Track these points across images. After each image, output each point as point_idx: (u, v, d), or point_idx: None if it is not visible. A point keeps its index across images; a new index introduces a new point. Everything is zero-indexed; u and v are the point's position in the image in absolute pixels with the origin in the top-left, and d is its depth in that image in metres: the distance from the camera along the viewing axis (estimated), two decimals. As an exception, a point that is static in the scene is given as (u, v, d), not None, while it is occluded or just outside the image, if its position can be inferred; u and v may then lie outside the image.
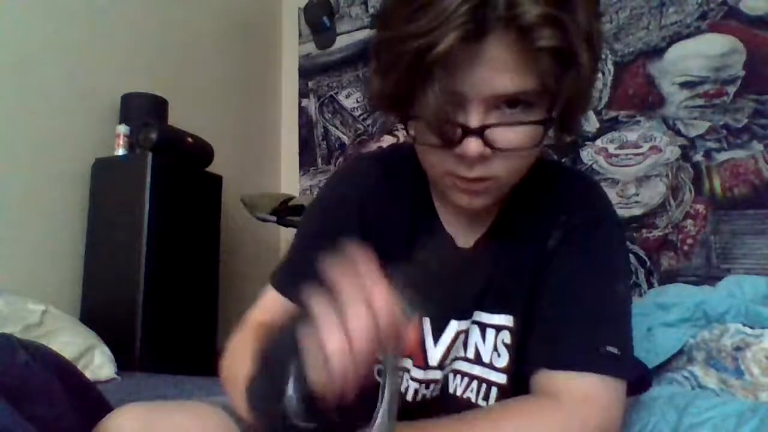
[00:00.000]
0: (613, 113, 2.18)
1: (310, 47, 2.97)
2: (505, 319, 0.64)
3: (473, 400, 0.65)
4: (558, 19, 0.45)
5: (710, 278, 1.83)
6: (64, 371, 0.70)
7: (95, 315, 1.79)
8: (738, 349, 1.09)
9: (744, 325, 1.14)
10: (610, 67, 2.19)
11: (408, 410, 0.66)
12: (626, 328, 0.60)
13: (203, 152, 2.11)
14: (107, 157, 1.93)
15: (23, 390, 0.60)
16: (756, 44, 1.95)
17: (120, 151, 1.92)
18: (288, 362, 0.35)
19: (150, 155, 1.84)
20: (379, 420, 0.34)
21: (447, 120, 0.50)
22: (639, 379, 0.98)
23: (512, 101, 0.50)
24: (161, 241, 1.83)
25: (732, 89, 1.98)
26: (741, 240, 1.91)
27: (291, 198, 2.28)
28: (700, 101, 2.03)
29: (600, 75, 2.15)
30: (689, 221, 2.00)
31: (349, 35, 2.85)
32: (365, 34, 2.79)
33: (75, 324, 1.56)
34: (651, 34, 2.14)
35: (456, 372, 0.67)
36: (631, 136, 2.14)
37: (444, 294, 0.66)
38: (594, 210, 0.65)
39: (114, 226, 1.85)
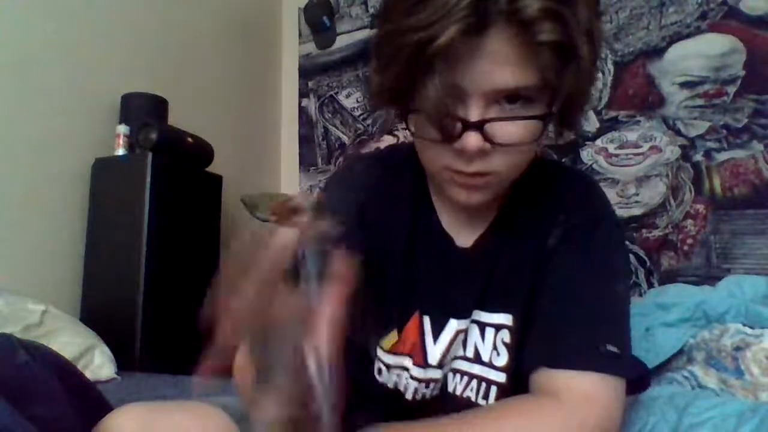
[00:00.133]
0: (613, 113, 2.17)
1: (310, 47, 2.97)
2: (504, 318, 0.64)
3: (473, 399, 0.65)
4: (559, 13, 0.46)
5: (710, 278, 1.83)
6: (64, 371, 0.70)
7: (95, 315, 1.79)
8: (738, 349, 1.09)
9: (744, 325, 1.14)
10: (610, 67, 2.19)
11: (408, 409, 0.66)
12: (625, 328, 0.60)
13: (203, 152, 2.11)
14: (107, 157, 1.93)
15: (23, 390, 0.60)
16: (756, 44, 1.95)
17: (120, 151, 1.92)
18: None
19: (150, 155, 1.84)
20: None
21: (447, 114, 0.50)
22: (638, 379, 0.98)
23: (512, 96, 0.50)
24: (161, 241, 1.83)
25: (732, 89, 1.98)
26: (741, 240, 1.91)
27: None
28: (700, 101, 2.03)
29: (600, 75, 2.15)
30: (689, 221, 2.00)
31: (349, 35, 2.85)
32: (365, 34, 2.79)
33: (75, 324, 1.56)
34: (651, 34, 2.14)
35: (455, 371, 0.67)
36: (631, 136, 2.14)
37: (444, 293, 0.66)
38: (593, 210, 0.65)
39: (114, 226, 1.85)
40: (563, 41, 0.46)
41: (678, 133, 2.06)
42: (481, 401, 0.64)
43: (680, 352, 1.17)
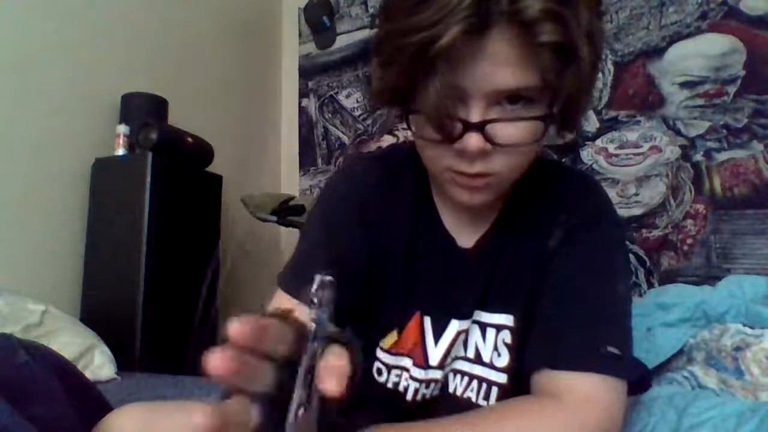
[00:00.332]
0: (613, 113, 2.17)
1: (310, 47, 2.97)
2: (505, 319, 0.64)
3: (473, 399, 0.65)
4: (560, 14, 0.45)
5: (710, 278, 1.83)
6: (64, 371, 0.70)
7: (95, 315, 1.79)
8: (738, 349, 1.09)
9: (744, 325, 1.14)
10: (610, 67, 2.19)
11: (408, 409, 0.66)
12: (626, 328, 0.60)
13: (203, 152, 2.11)
14: (107, 157, 1.92)
15: (23, 390, 0.60)
16: (756, 44, 1.95)
17: (120, 151, 1.92)
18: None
19: (150, 155, 1.84)
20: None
21: (448, 114, 0.50)
22: (639, 379, 0.98)
23: (513, 97, 0.50)
24: (161, 241, 1.83)
25: (732, 89, 1.98)
26: (741, 240, 1.91)
27: (291, 198, 2.28)
28: (700, 101, 2.03)
29: (600, 75, 2.15)
30: (689, 221, 2.00)
31: (349, 35, 2.85)
32: (365, 34, 2.79)
33: (75, 324, 1.55)
34: (651, 34, 2.14)
35: (456, 371, 0.66)
36: (631, 136, 2.14)
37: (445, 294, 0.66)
38: (594, 209, 0.65)
39: (114, 226, 1.85)
40: (564, 42, 0.46)
41: (678, 133, 2.06)
42: (481, 402, 0.64)
43: (680, 352, 1.17)
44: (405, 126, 0.55)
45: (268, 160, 2.93)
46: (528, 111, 0.51)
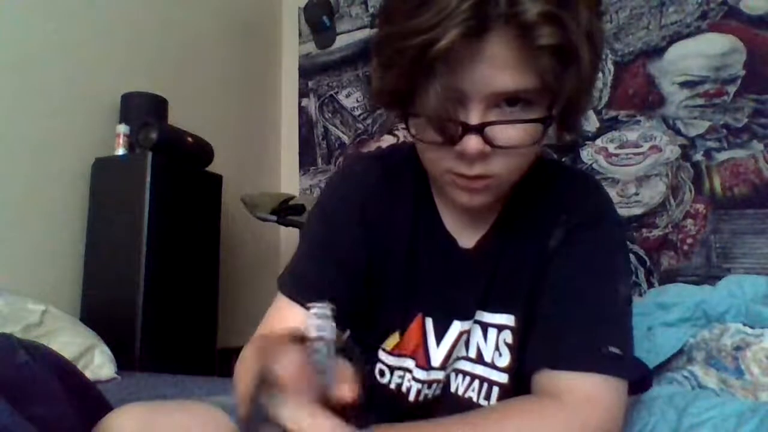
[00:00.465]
0: (613, 113, 2.18)
1: (310, 47, 2.97)
2: (506, 319, 0.64)
3: (475, 399, 0.65)
4: (559, 17, 0.45)
5: (710, 278, 1.83)
6: (64, 371, 0.70)
7: (95, 315, 1.79)
8: (738, 348, 1.09)
9: (744, 324, 1.14)
10: (610, 67, 2.19)
11: (409, 410, 0.66)
12: (627, 328, 0.60)
13: (203, 152, 2.11)
14: (107, 157, 1.92)
15: (23, 390, 0.60)
16: (756, 44, 1.95)
17: (120, 151, 1.92)
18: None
19: (150, 155, 1.84)
20: None
21: (447, 117, 0.49)
22: (640, 379, 0.98)
23: (512, 99, 0.50)
24: (161, 241, 1.83)
25: (732, 89, 1.98)
26: (741, 240, 1.91)
27: (291, 198, 2.28)
28: (700, 101, 2.03)
29: (600, 75, 2.15)
30: (689, 221, 2.00)
31: (349, 35, 2.85)
32: (365, 33, 2.79)
33: (75, 324, 1.55)
34: (651, 34, 2.14)
35: (458, 371, 0.67)
36: (631, 135, 2.14)
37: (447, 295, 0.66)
38: (595, 209, 0.65)
39: (114, 226, 1.85)
40: (563, 45, 0.46)
41: (678, 132, 2.07)
42: (483, 402, 0.64)
43: (680, 351, 1.17)
44: (405, 127, 0.55)
45: (268, 160, 2.93)
46: (527, 113, 0.51)
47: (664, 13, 2.13)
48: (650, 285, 2.01)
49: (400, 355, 0.67)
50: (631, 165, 2.13)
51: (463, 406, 0.64)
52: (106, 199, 1.89)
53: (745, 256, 1.90)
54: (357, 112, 2.81)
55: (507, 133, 0.51)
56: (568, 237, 0.62)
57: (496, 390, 0.64)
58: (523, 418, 0.53)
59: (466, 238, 0.66)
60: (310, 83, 2.96)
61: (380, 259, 0.66)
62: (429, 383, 0.66)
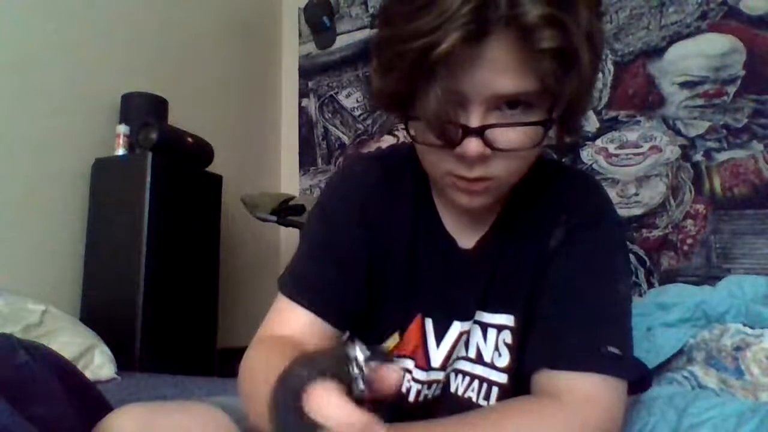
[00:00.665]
0: (613, 113, 2.18)
1: (310, 47, 2.97)
2: (506, 319, 0.64)
3: (474, 399, 0.65)
4: (559, 19, 0.45)
5: (710, 278, 1.83)
6: (64, 371, 0.70)
7: (95, 315, 1.79)
8: (738, 349, 1.09)
9: (744, 325, 1.14)
10: (610, 67, 2.19)
11: (409, 410, 0.66)
12: (627, 328, 0.60)
13: (203, 152, 2.11)
14: (107, 157, 1.93)
15: (23, 390, 0.60)
16: (756, 44, 1.95)
17: (120, 151, 1.92)
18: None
19: (150, 155, 1.84)
20: None
21: (448, 120, 0.50)
22: (639, 379, 0.98)
23: (513, 102, 0.50)
24: (161, 241, 1.83)
25: (732, 89, 1.98)
26: (741, 240, 1.92)
27: (291, 198, 2.28)
28: (700, 101, 2.03)
29: (600, 75, 2.15)
30: (689, 221, 2.01)
31: (349, 35, 2.85)
32: (365, 34, 2.79)
33: (75, 324, 1.55)
34: (651, 34, 2.14)
35: (457, 371, 0.67)
36: (631, 135, 2.14)
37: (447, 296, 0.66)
38: (595, 209, 0.65)
39: (114, 226, 1.85)
40: (564, 48, 0.46)
41: (678, 133, 2.07)
42: (482, 402, 0.64)
43: (680, 352, 1.16)
44: (405, 129, 0.55)
45: (268, 160, 2.93)
46: (527, 116, 0.51)
47: (664, 13, 2.13)
48: (650, 285, 2.01)
49: (399, 356, 0.67)
50: (631, 165, 2.13)
51: (463, 406, 0.65)
52: (106, 200, 1.89)
53: (745, 257, 1.90)
54: (357, 113, 2.81)
55: (507, 136, 0.51)
56: (568, 237, 0.62)
57: (495, 390, 0.64)
58: (522, 418, 0.53)
59: (466, 238, 0.66)
60: (310, 83, 2.96)
61: (380, 260, 0.66)
62: (429, 383, 0.66)
